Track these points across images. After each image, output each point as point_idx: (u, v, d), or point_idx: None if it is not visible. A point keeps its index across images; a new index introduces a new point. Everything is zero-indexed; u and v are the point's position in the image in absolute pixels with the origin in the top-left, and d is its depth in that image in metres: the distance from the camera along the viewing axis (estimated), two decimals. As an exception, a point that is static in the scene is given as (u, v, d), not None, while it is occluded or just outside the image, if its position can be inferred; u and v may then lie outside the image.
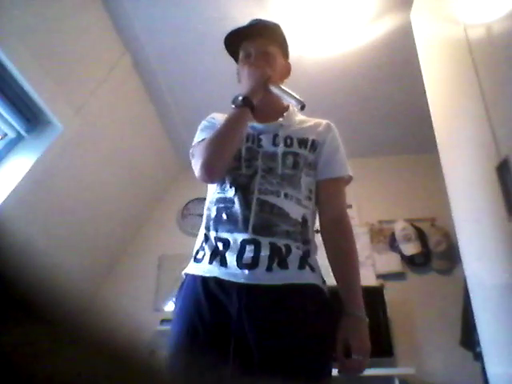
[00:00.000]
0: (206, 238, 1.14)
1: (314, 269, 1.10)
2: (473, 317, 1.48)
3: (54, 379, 0.25)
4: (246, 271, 1.04)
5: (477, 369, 2.33)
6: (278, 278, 1.05)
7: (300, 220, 1.12)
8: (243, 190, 1.12)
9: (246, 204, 1.10)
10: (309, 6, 2.40)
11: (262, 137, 1.20)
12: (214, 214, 1.15)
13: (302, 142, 1.21)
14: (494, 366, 1.36)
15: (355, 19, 2.51)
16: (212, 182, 1.19)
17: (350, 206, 2.99)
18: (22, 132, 2.38)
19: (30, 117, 2.36)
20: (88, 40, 2.45)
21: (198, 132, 1.27)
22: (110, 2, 2.45)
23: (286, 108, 1.29)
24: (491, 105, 1.28)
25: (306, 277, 1.08)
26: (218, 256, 1.09)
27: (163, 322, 3.18)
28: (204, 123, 1.29)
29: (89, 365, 0.27)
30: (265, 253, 1.05)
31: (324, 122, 1.29)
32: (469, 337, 2.44)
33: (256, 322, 1.01)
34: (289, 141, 1.20)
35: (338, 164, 1.23)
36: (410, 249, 3.24)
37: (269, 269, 1.04)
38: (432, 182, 2.55)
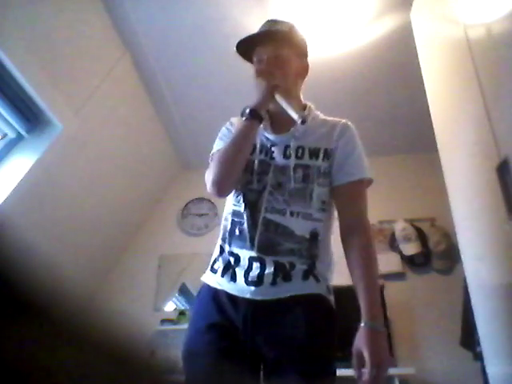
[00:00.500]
0: (222, 250, 1.19)
1: (318, 279, 1.11)
2: (473, 317, 1.48)
3: (53, 379, 0.25)
4: (252, 288, 1.08)
5: (477, 369, 2.33)
6: (282, 290, 1.08)
7: (307, 236, 1.13)
8: (252, 208, 1.16)
9: (253, 223, 1.14)
10: (309, 6, 2.41)
11: (274, 149, 1.21)
12: (229, 226, 1.19)
13: (314, 153, 1.19)
14: (493, 365, 1.36)
15: (355, 19, 2.51)
16: (222, 197, 1.23)
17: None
18: (22, 132, 2.38)
19: (30, 117, 2.36)
20: (88, 40, 2.45)
21: (217, 139, 1.30)
22: (110, 3, 2.45)
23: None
24: (491, 105, 1.28)
25: (309, 287, 1.09)
26: (229, 270, 1.14)
27: (163, 322, 3.18)
28: (223, 130, 1.31)
29: (88, 365, 0.27)
30: (269, 270, 1.09)
31: (340, 123, 1.26)
32: (469, 337, 2.44)
33: (259, 332, 1.05)
34: (300, 152, 1.19)
35: (350, 168, 1.19)
36: (410, 249, 3.24)
37: (273, 283, 1.08)
38: (432, 182, 2.55)
